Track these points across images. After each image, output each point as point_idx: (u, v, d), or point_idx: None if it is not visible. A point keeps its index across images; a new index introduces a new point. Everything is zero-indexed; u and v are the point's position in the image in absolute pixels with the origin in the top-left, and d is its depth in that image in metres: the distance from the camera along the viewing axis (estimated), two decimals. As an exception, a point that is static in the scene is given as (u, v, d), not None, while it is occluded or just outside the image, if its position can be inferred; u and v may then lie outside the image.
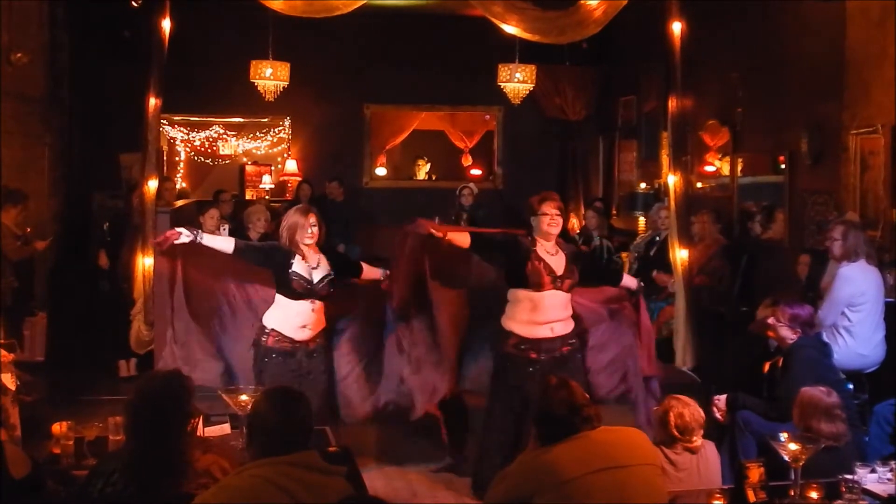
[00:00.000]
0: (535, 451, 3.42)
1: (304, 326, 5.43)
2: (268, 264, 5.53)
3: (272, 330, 5.43)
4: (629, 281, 5.91)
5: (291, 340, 5.41)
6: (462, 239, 5.46)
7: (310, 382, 5.36)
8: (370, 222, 11.98)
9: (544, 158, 12.83)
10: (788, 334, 5.35)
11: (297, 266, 5.41)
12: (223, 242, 5.61)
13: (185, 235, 5.43)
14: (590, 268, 5.64)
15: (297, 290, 5.39)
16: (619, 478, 3.31)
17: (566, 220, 9.18)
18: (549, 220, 5.37)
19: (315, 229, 5.45)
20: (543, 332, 5.34)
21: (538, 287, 5.31)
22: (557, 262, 5.40)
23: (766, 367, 5.69)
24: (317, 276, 5.44)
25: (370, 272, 5.84)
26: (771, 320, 5.43)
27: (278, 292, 5.49)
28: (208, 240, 5.55)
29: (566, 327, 5.45)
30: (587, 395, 3.52)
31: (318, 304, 5.47)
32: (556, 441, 3.36)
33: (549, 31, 7.84)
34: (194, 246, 5.46)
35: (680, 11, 8.07)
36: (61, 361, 8.14)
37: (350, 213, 11.24)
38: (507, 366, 5.42)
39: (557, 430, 3.38)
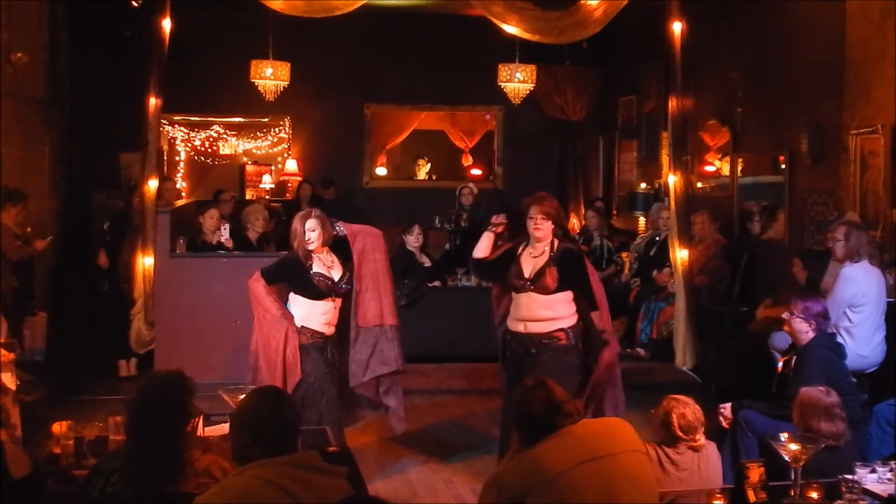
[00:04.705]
0: (519, 454, 3.41)
1: (328, 323, 5.60)
2: (286, 277, 5.64)
3: (303, 327, 5.54)
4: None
5: (322, 335, 5.57)
6: None
7: (335, 371, 5.64)
8: (369, 222, 11.93)
9: (544, 158, 12.83)
10: (803, 327, 5.32)
11: (317, 266, 5.53)
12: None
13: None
14: (574, 274, 5.46)
15: (322, 289, 5.51)
16: (605, 467, 3.30)
17: (566, 220, 9.14)
18: (533, 224, 5.40)
19: (314, 234, 5.50)
20: (517, 327, 5.48)
21: (513, 289, 5.47)
22: (535, 264, 5.40)
23: (780, 365, 5.67)
24: (336, 275, 5.57)
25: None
26: (785, 314, 5.43)
27: (296, 293, 5.58)
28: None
29: (542, 327, 5.41)
30: (565, 392, 3.52)
31: (339, 301, 5.62)
32: (538, 441, 3.35)
33: (549, 30, 7.86)
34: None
35: (680, 11, 8.09)
36: (61, 361, 8.15)
37: (342, 212, 11.20)
38: (502, 347, 5.66)
39: (539, 429, 3.37)
